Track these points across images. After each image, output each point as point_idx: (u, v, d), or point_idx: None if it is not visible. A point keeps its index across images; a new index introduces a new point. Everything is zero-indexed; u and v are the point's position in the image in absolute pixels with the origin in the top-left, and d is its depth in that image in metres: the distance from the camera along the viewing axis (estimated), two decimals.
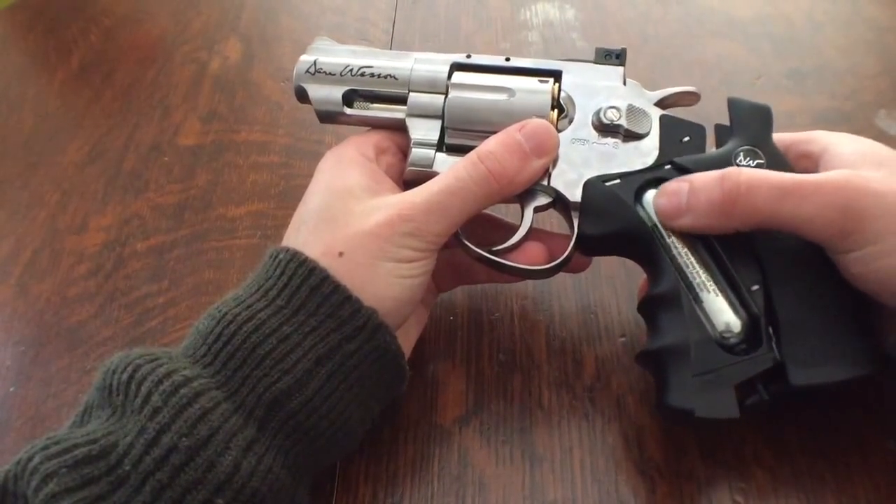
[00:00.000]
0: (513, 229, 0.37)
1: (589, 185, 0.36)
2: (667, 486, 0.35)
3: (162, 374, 0.29)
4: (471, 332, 0.42)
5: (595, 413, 0.38)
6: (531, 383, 0.39)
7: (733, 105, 0.37)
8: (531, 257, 0.37)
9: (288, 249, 0.33)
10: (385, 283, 0.33)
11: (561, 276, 0.44)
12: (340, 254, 0.32)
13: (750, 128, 0.36)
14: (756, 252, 0.34)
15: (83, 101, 0.62)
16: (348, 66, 0.38)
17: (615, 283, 0.43)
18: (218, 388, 0.30)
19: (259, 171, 0.54)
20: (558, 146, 0.36)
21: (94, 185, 0.54)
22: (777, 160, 0.35)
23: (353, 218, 0.33)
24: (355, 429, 0.33)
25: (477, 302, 0.43)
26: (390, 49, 0.63)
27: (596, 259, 0.44)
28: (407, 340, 0.37)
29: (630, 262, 0.44)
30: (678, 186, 0.34)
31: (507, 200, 0.37)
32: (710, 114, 0.38)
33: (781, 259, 0.33)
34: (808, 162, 0.35)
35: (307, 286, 0.31)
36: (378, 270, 0.32)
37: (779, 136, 0.36)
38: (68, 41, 0.69)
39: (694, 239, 0.35)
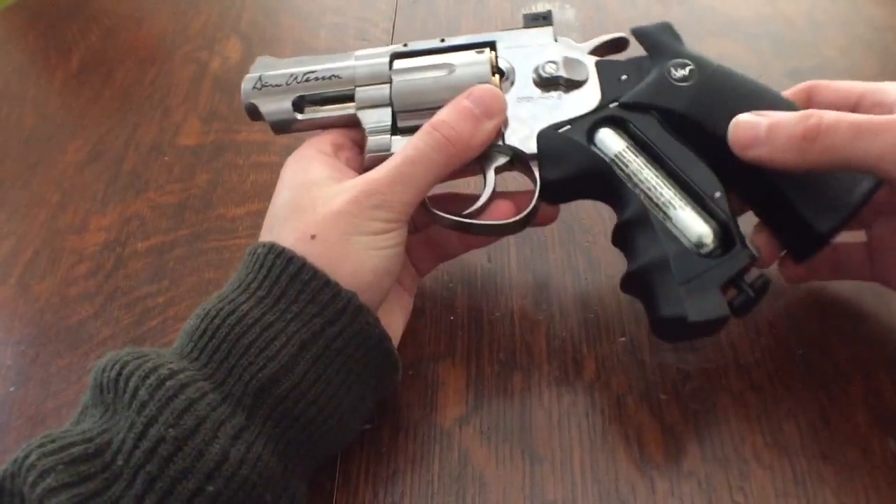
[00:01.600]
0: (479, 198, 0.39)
1: (542, 135, 0.37)
2: (667, 485, 0.35)
3: (148, 368, 0.29)
4: (471, 332, 0.42)
5: (595, 412, 0.38)
6: (531, 383, 0.39)
7: (638, 33, 0.39)
8: (500, 215, 0.38)
9: (264, 244, 0.33)
10: (360, 256, 0.33)
11: (561, 275, 0.44)
12: (313, 237, 0.33)
13: (664, 45, 0.38)
14: (721, 160, 0.35)
15: (83, 101, 0.62)
16: (292, 74, 0.39)
17: (615, 282, 0.43)
18: (205, 380, 0.30)
19: (259, 171, 0.54)
20: (506, 106, 0.37)
21: (94, 185, 0.54)
22: (700, 61, 0.37)
23: (320, 203, 0.34)
24: (348, 417, 0.33)
25: (477, 302, 0.43)
26: None
27: (596, 258, 0.45)
28: (393, 326, 0.37)
29: None
30: (756, 119, 0.33)
31: (467, 169, 0.38)
32: None
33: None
34: (880, 111, 0.35)
35: (286, 275, 0.32)
36: (352, 245, 0.33)
37: (850, 84, 0.36)
38: (68, 41, 0.69)
39: (652, 163, 0.36)
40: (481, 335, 0.42)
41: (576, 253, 0.45)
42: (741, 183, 0.36)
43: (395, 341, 0.37)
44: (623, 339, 0.41)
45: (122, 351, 0.31)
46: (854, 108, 0.36)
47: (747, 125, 0.34)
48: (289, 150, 0.55)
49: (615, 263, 0.44)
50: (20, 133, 0.60)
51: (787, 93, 0.38)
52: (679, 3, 0.64)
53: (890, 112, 0.34)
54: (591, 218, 0.47)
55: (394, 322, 0.38)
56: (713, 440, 0.36)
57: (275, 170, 0.53)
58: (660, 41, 0.38)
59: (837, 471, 0.35)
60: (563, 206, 0.48)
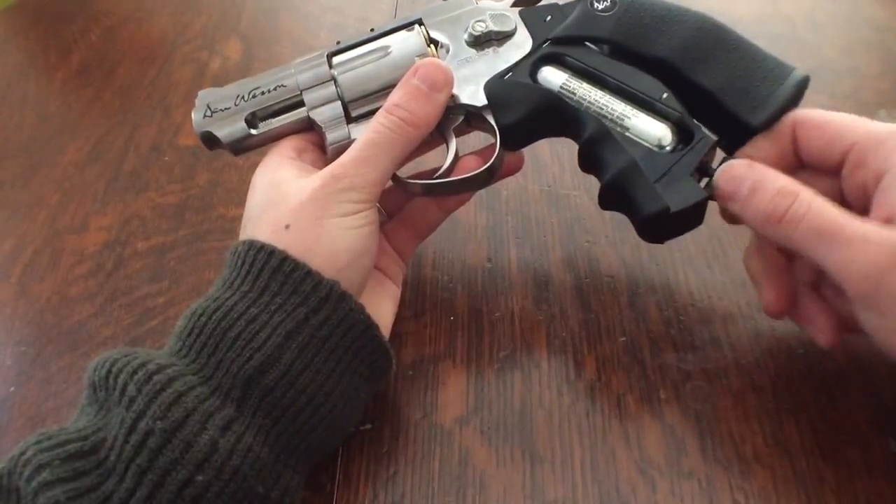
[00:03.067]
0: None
1: (489, 85, 0.39)
2: (667, 485, 0.35)
3: (136, 365, 0.30)
4: (471, 332, 0.42)
5: (596, 413, 0.38)
6: (532, 383, 0.39)
7: None
8: (469, 171, 0.39)
9: (244, 241, 0.34)
10: (334, 237, 0.34)
11: (561, 276, 0.44)
12: (287, 227, 0.34)
13: None
14: (657, 63, 0.37)
15: (83, 101, 0.62)
16: (238, 94, 0.40)
17: (615, 283, 0.44)
18: (194, 374, 0.31)
19: None
20: (452, 75, 0.38)
21: (94, 185, 0.54)
22: None
23: (290, 196, 0.35)
24: (341, 408, 0.33)
25: (477, 302, 0.43)
26: None
27: (596, 258, 0.45)
28: (382, 316, 0.38)
29: (629, 265, 0.44)
30: (743, 174, 0.34)
31: (429, 140, 0.39)
32: None
33: (684, 52, 0.37)
34: (863, 174, 0.33)
35: (268, 268, 0.33)
36: (325, 229, 0.34)
37: (844, 126, 0.34)
38: (68, 41, 0.69)
39: (596, 85, 0.38)
40: (482, 335, 0.42)
41: (576, 253, 0.45)
42: (675, 93, 0.37)
43: (386, 331, 0.38)
44: (623, 339, 0.41)
45: (113, 350, 0.32)
46: (840, 160, 0.34)
47: (734, 179, 0.34)
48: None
49: (615, 264, 0.44)
50: (20, 133, 0.60)
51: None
52: (678, 4, 0.64)
53: (875, 176, 0.32)
54: (591, 218, 0.47)
55: (382, 311, 0.38)
56: (714, 440, 0.36)
57: None
58: None
59: (837, 471, 0.35)
60: (563, 208, 0.48)
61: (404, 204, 0.42)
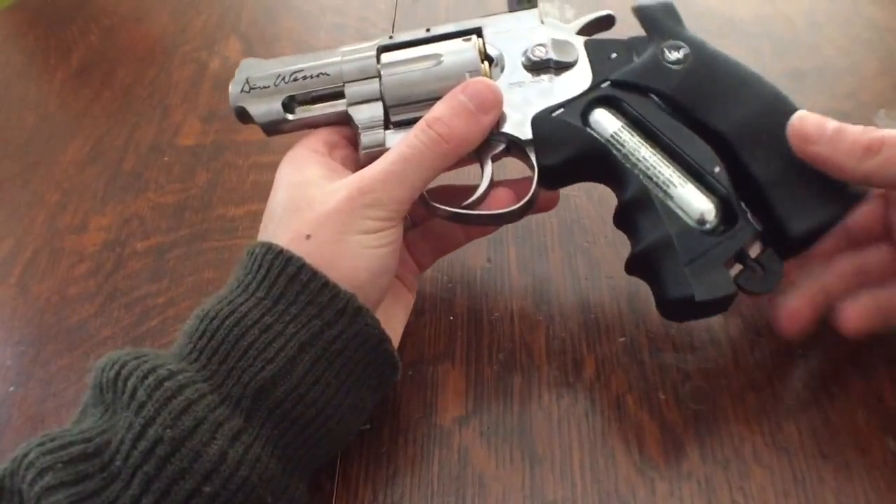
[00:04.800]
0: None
1: (537, 120, 0.37)
2: (667, 486, 0.35)
3: (147, 369, 0.29)
4: (471, 332, 0.42)
5: (595, 413, 0.38)
6: (531, 383, 0.39)
7: (639, 11, 0.38)
8: (500, 203, 0.38)
9: (262, 244, 0.33)
10: (355, 254, 0.33)
11: (560, 276, 0.44)
12: (308, 237, 0.33)
13: (663, 26, 0.38)
14: (713, 135, 0.35)
15: (83, 101, 0.62)
16: (280, 74, 0.38)
17: (615, 283, 0.43)
18: (204, 382, 0.30)
19: (259, 171, 0.54)
20: (502, 99, 0.36)
21: (94, 185, 0.54)
22: (697, 45, 0.37)
23: (315, 202, 0.34)
24: (348, 419, 0.33)
25: (477, 302, 0.43)
26: None
27: (595, 259, 0.45)
28: (394, 324, 0.37)
29: None
30: (824, 119, 0.34)
31: (463, 160, 0.37)
32: None
33: (744, 131, 0.35)
34: None
35: (285, 276, 0.32)
36: (346, 244, 0.33)
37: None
38: (68, 41, 0.69)
39: (648, 140, 0.36)
40: (481, 336, 0.42)
41: (576, 254, 0.45)
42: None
43: (396, 339, 0.37)
44: (623, 339, 0.41)
45: (122, 351, 0.31)
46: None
47: (815, 120, 0.34)
48: (288, 150, 0.55)
49: (615, 264, 0.44)
50: (20, 133, 0.60)
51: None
52: (679, 4, 0.64)
53: None
54: (590, 219, 0.47)
55: (395, 320, 0.38)
56: (713, 440, 0.36)
57: (275, 170, 0.53)
58: (659, 21, 0.38)
59: (837, 471, 0.35)
60: (563, 209, 0.48)
61: (430, 215, 0.41)
